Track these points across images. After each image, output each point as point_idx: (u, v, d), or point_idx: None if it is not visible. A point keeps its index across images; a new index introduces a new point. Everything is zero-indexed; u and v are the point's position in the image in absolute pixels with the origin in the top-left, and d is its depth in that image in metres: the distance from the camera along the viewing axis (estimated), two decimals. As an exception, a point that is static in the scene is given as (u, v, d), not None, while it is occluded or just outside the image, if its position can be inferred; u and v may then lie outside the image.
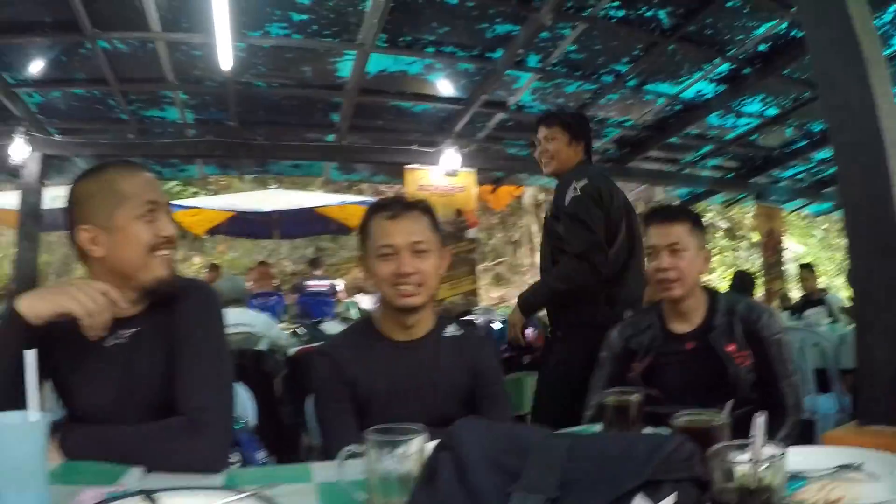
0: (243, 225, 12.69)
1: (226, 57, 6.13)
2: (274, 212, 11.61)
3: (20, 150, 8.12)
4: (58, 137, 8.61)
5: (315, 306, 11.15)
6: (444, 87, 7.47)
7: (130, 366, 1.87)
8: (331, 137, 8.86)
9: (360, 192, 17.12)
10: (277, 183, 15.28)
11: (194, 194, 17.81)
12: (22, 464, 1.23)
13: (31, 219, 8.60)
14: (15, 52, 6.63)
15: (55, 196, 9.51)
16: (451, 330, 2.44)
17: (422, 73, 7.16)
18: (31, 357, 1.36)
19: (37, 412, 1.31)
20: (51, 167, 8.81)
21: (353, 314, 11.86)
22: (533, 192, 18.90)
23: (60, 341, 1.72)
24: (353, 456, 1.40)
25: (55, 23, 6.06)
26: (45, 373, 1.71)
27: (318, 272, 12.94)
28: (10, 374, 1.60)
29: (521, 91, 7.52)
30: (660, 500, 1.05)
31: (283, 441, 4.50)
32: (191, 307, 1.92)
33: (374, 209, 2.37)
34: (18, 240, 8.80)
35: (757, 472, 1.08)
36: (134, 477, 1.56)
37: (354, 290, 15.72)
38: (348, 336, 2.56)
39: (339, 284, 13.95)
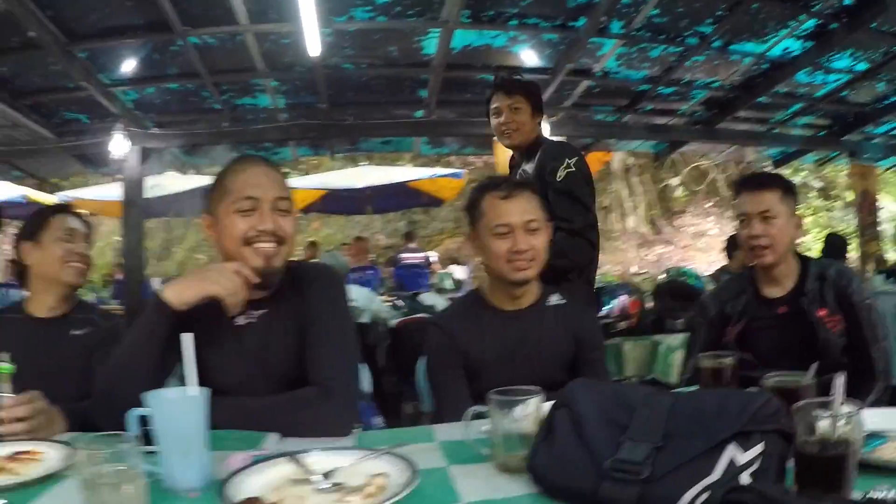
0: (336, 202, 12.87)
1: (314, 43, 6.33)
2: (366, 188, 11.73)
3: (120, 145, 8.54)
4: (155, 130, 9.01)
5: (410, 278, 11.33)
6: (529, 57, 7.48)
7: (260, 343, 2.04)
8: (419, 113, 8.98)
9: (448, 165, 17.15)
10: (367, 160, 15.48)
11: (286, 175, 18.16)
12: (185, 433, 1.40)
13: (135, 208, 9.05)
14: (109, 55, 7.05)
15: (154, 185, 9.96)
16: (554, 299, 2.55)
17: (506, 46, 7.19)
18: (188, 340, 1.54)
19: (195, 388, 1.50)
20: (150, 159, 9.22)
21: (447, 285, 11.99)
22: (621, 157, 18.55)
23: (198, 322, 1.84)
24: (478, 416, 1.54)
25: (146, 24, 6.41)
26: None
27: (412, 245, 13.13)
28: (157, 358, 1.85)
29: (606, 58, 7.45)
30: (749, 449, 1.18)
31: (386, 408, 4.67)
32: (320, 289, 2.08)
33: (485, 188, 2.48)
34: (123, 228, 9.27)
35: (836, 427, 1.18)
36: (272, 442, 1.72)
37: (448, 260, 15.86)
38: (459, 307, 2.73)
39: (433, 256, 14.10)
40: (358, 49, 7.05)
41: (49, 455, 1.62)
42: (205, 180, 11.79)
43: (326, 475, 1.37)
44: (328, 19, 6.22)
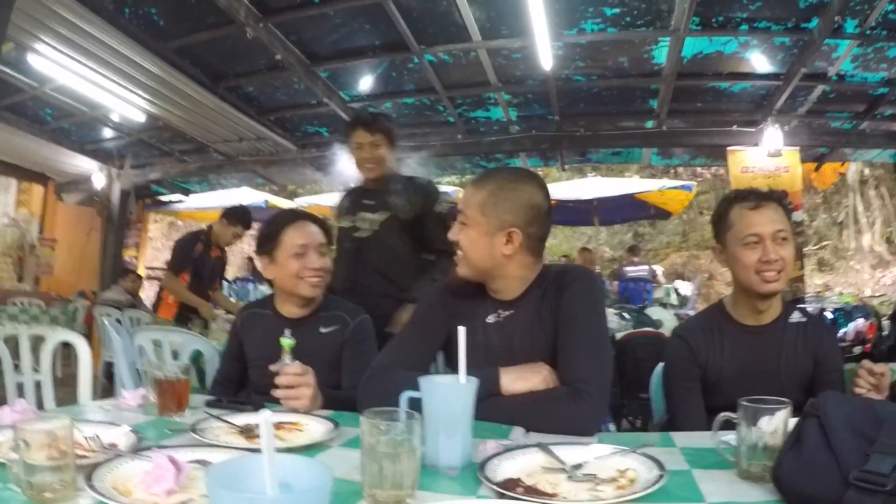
0: (563, 212, 12.71)
1: (545, 57, 6.46)
2: (594, 199, 11.68)
3: None
4: (391, 143, 9.47)
5: (634, 292, 11.17)
6: (761, 63, 7.18)
7: (503, 341, 2.16)
8: (650, 123, 8.88)
9: (676, 177, 16.76)
10: (595, 171, 15.43)
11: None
12: (453, 416, 1.51)
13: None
14: (349, 74, 7.65)
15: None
16: (796, 316, 2.47)
17: (737, 52, 6.96)
18: (462, 332, 1.65)
19: (465, 376, 1.61)
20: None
21: (673, 300, 11.72)
22: (857, 167, 17.08)
23: (455, 318, 2.03)
24: (726, 425, 1.54)
25: (384, 44, 6.91)
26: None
27: (636, 258, 12.93)
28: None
29: (841, 60, 6.97)
30: None
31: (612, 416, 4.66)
32: (578, 291, 2.12)
33: (734, 199, 2.45)
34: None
35: None
36: (518, 434, 1.80)
37: (673, 275, 15.50)
38: (701, 320, 2.67)
39: (658, 270, 13.83)
40: (588, 61, 7.10)
41: (311, 427, 1.87)
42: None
43: (577, 466, 1.43)
44: (559, 33, 6.32)
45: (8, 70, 7.41)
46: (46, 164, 11.12)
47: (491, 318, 2.19)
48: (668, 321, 6.61)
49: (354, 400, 2.24)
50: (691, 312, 10.53)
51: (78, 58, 6.90)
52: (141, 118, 8.81)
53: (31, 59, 7.00)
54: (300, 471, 0.90)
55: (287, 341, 2.31)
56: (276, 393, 2.16)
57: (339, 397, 2.35)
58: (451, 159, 10.70)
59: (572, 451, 1.52)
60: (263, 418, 0.89)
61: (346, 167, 9.39)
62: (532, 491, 1.27)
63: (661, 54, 6.89)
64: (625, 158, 11.36)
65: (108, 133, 10.35)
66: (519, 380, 1.96)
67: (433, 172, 11.67)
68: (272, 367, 2.25)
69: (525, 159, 10.53)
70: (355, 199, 4.10)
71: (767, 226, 2.33)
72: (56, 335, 3.22)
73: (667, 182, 12.86)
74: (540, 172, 17.63)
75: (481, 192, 2.13)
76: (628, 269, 12.45)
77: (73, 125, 9.92)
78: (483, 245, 2.11)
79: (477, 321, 2.18)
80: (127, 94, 7.88)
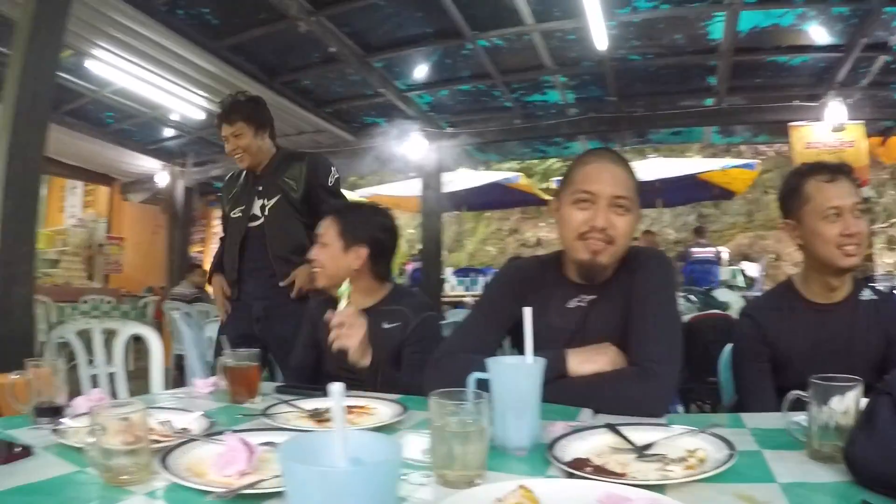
0: (627, 195, 12.64)
1: (600, 37, 6.41)
2: (655, 180, 11.49)
3: (417, 144, 9.17)
4: (449, 130, 9.52)
5: (701, 274, 11.05)
6: (820, 35, 6.97)
7: (582, 325, 2.14)
8: (709, 101, 8.74)
9: (738, 155, 16.42)
10: (655, 151, 15.23)
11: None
12: (521, 396, 1.52)
13: (434, 203, 9.63)
14: (404, 63, 7.68)
15: (448, 181, 10.50)
16: (867, 294, 2.42)
17: (795, 24, 6.76)
18: (528, 313, 1.64)
19: (531, 357, 1.60)
20: (444, 156, 9.77)
21: (739, 281, 11.56)
22: None
23: (536, 302, 1.94)
24: (797, 405, 1.52)
25: (436, 32, 6.91)
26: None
27: (702, 240, 12.76)
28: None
29: None
30: None
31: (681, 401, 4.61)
32: (649, 271, 2.11)
33: (806, 173, 2.40)
34: (422, 222, 9.91)
35: None
36: (586, 415, 1.81)
37: (739, 256, 15.24)
38: (770, 299, 2.63)
39: (724, 251, 13.62)
40: (643, 39, 7.00)
41: (380, 410, 1.90)
42: (497, 175, 12.24)
43: (645, 446, 1.42)
44: (612, 12, 6.26)
45: (68, 76, 7.60)
46: (110, 165, 11.43)
47: (572, 303, 2.18)
48: (735, 303, 6.51)
49: (411, 387, 2.31)
50: (758, 294, 10.40)
51: (135, 60, 7.09)
52: (200, 116, 8.99)
53: (90, 65, 7.22)
54: (370, 446, 0.91)
55: (343, 288, 2.37)
56: (331, 336, 2.36)
57: (397, 381, 2.44)
58: (510, 145, 10.71)
59: (641, 432, 1.52)
60: (335, 389, 0.91)
61: (404, 156, 9.59)
62: (601, 470, 1.27)
63: (717, 29, 6.75)
64: (685, 138, 11.19)
65: (168, 132, 10.62)
66: (586, 361, 1.95)
67: (492, 158, 11.70)
68: (328, 316, 2.33)
69: (585, 142, 10.42)
70: (246, 187, 4.08)
71: (846, 198, 2.29)
72: (128, 328, 3.31)
73: (729, 161, 12.62)
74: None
75: (631, 175, 2.11)
76: (694, 250, 12.30)
77: (135, 126, 10.16)
78: (633, 231, 2.10)
79: (556, 305, 2.17)
80: (185, 93, 8.04)
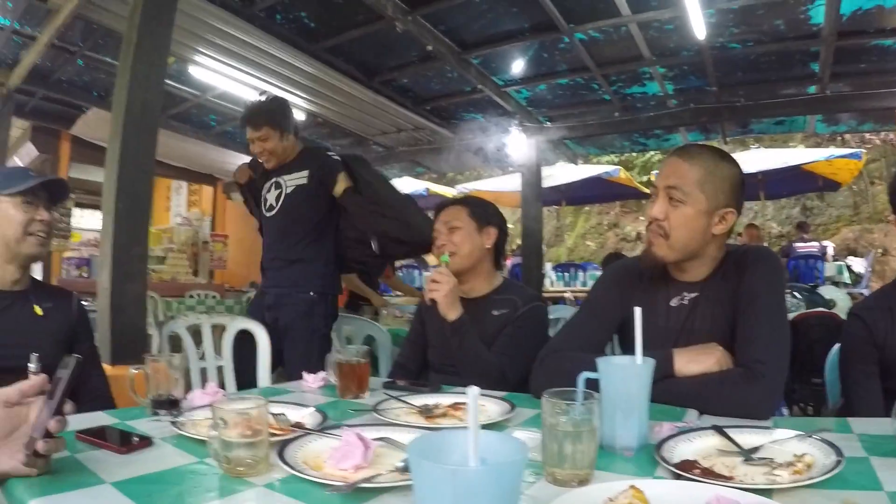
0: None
1: (698, 25, 6.28)
2: (758, 172, 11.19)
3: (517, 139, 9.20)
4: (548, 124, 9.49)
5: (805, 269, 10.75)
6: (926, 14, 6.65)
7: (685, 324, 2.14)
8: (812, 89, 8.41)
9: (843, 144, 15.86)
10: (757, 142, 14.86)
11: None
12: (630, 396, 1.52)
13: (533, 197, 9.64)
14: (500, 58, 7.67)
15: (547, 176, 10.48)
16: None
17: (899, 4, 6.46)
18: (638, 313, 1.64)
19: (641, 357, 1.60)
20: (544, 151, 9.77)
21: (845, 278, 11.19)
22: None
23: (634, 300, 1.97)
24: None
25: (532, 26, 6.87)
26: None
27: (806, 235, 12.41)
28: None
29: None
30: None
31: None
32: (759, 271, 2.08)
33: None
34: (522, 217, 9.92)
35: None
36: (692, 416, 1.81)
37: (845, 251, 14.73)
38: (879, 298, 2.53)
39: (829, 246, 13.21)
40: (743, 26, 6.81)
41: (488, 407, 1.94)
42: (596, 169, 12.15)
43: (753, 450, 1.41)
44: (710, 0, 6.11)
45: (173, 83, 7.91)
46: (214, 166, 11.79)
47: (675, 302, 2.18)
48: (841, 301, 6.33)
49: (490, 364, 2.51)
50: (865, 291, 10.06)
51: (236, 65, 7.31)
52: (300, 117, 9.16)
53: (193, 71, 7.49)
54: (495, 445, 0.94)
55: (444, 257, 2.76)
56: (424, 290, 2.71)
57: (478, 349, 2.63)
58: (609, 138, 10.60)
59: (747, 435, 1.51)
60: (472, 393, 0.94)
61: (503, 151, 9.62)
62: (709, 473, 1.27)
63: (819, 13, 6.50)
64: (788, 127, 10.79)
65: (270, 133, 10.78)
66: (692, 362, 1.94)
67: (591, 152, 11.61)
68: (427, 275, 2.51)
69: (685, 134, 10.26)
70: (264, 180, 4.30)
71: None
72: (236, 323, 3.44)
73: (834, 151, 12.11)
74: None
75: (697, 167, 2.08)
76: (797, 245, 11.98)
77: (237, 128, 10.39)
78: (699, 224, 2.08)
79: (659, 304, 2.18)
80: (285, 95, 8.20)
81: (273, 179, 4.20)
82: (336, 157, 4.17)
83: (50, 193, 2.49)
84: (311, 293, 3.96)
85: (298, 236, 4.01)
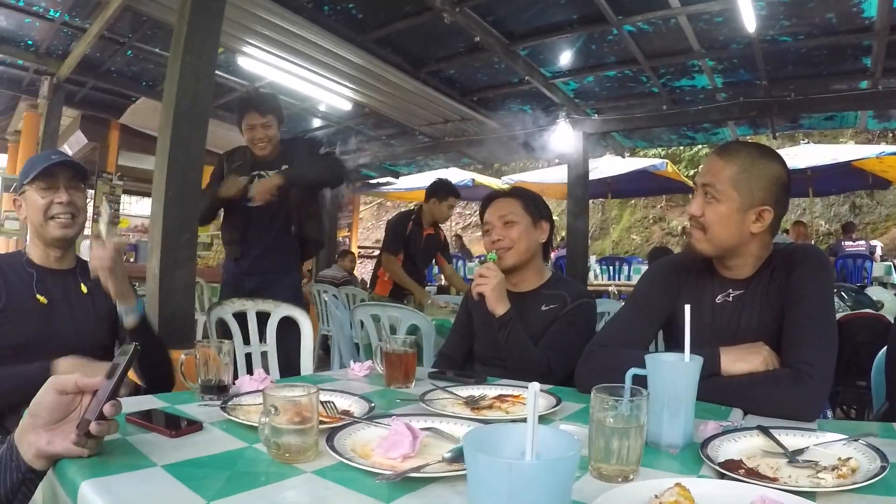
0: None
1: (748, 18, 6.21)
2: (807, 168, 11.01)
3: (564, 131, 9.19)
4: (595, 117, 9.45)
5: (853, 269, 10.59)
6: None
7: (730, 322, 2.14)
8: (864, 84, 8.25)
9: (894, 141, 15.53)
10: (806, 138, 14.63)
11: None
12: (678, 394, 1.52)
13: (579, 189, 9.62)
14: (548, 50, 7.63)
15: (593, 168, 10.45)
16: None
17: (955, -6, 6.28)
18: (687, 310, 1.64)
19: (689, 355, 1.59)
20: (590, 143, 9.75)
21: (894, 278, 10.99)
22: None
23: (680, 296, 2.11)
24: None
25: (581, 18, 6.83)
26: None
27: (853, 233, 12.20)
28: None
29: None
30: None
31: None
32: (808, 271, 2.07)
33: None
34: (569, 209, 9.90)
35: None
36: (736, 416, 1.81)
37: (894, 251, 14.46)
38: None
39: (878, 246, 12.98)
40: (793, 19, 6.69)
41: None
42: (643, 162, 12.04)
43: (797, 451, 1.42)
44: (760, -8, 6.04)
45: (221, 73, 8.00)
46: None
47: (720, 298, 2.18)
48: (889, 302, 6.22)
49: (537, 359, 2.52)
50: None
51: (284, 56, 7.37)
52: (347, 107, 9.25)
53: (241, 61, 7.56)
54: (548, 440, 0.95)
55: (492, 256, 2.80)
56: (472, 284, 2.74)
57: (525, 344, 2.64)
58: (657, 131, 10.48)
59: (792, 436, 1.51)
60: (532, 389, 0.96)
61: (550, 143, 9.61)
62: (753, 474, 1.28)
63: (871, 6, 6.36)
64: (839, 123, 10.59)
65: (316, 122, 10.97)
66: (739, 360, 1.93)
67: (639, 145, 11.52)
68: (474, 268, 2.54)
69: (734, 128, 10.11)
70: (244, 168, 4.57)
71: None
72: (280, 310, 3.49)
73: (885, 148, 11.86)
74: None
75: (732, 165, 2.09)
76: (845, 244, 11.78)
77: (285, 118, 10.49)
78: (733, 222, 2.08)
79: (705, 301, 2.19)
80: (333, 85, 8.28)
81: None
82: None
83: (74, 173, 2.53)
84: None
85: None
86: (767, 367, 1.91)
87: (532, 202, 2.98)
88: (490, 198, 3.06)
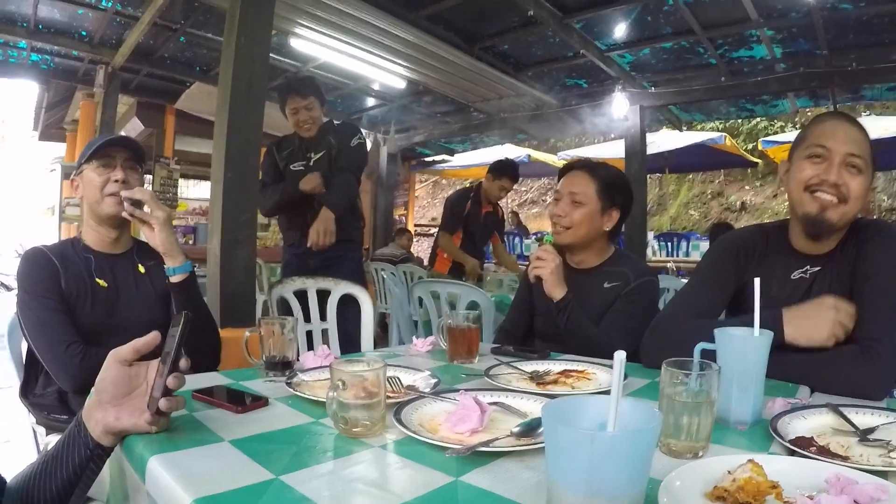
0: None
1: (810, -15, 6.06)
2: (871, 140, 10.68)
3: (621, 105, 9.09)
4: (652, 90, 9.32)
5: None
6: None
7: (806, 296, 2.06)
8: (930, 52, 8.05)
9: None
10: (868, 109, 14.25)
11: (780, 129, 17.40)
12: (747, 369, 1.50)
13: (637, 164, 9.53)
14: (603, 22, 7.52)
15: (650, 142, 10.33)
16: None
17: None
18: (757, 284, 1.59)
19: (759, 329, 1.57)
20: (648, 117, 9.64)
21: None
22: None
23: (752, 270, 2.08)
24: None
25: None
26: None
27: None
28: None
29: None
30: None
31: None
32: (880, 246, 2.02)
33: None
34: (627, 183, 9.81)
35: None
36: (804, 393, 1.78)
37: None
38: None
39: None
40: (855, -15, 6.54)
41: (599, 375, 1.97)
42: (701, 136, 11.87)
43: (868, 430, 1.39)
44: (822, -44, 5.88)
45: (274, 55, 8.01)
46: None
47: (796, 274, 2.14)
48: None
49: (598, 340, 2.51)
50: None
51: (337, 36, 7.37)
52: (401, 85, 9.25)
53: (294, 43, 7.60)
54: (627, 412, 0.95)
55: (549, 237, 2.63)
56: (530, 267, 2.76)
57: (584, 326, 2.62)
58: (714, 104, 10.26)
59: (862, 415, 1.49)
60: (618, 358, 0.95)
61: (606, 117, 9.51)
62: (825, 451, 1.26)
63: (939, -31, 6.20)
64: (902, 94, 10.32)
65: (371, 102, 11.05)
66: (806, 330, 1.87)
67: (696, 118, 11.33)
68: (532, 251, 2.53)
69: (793, 99, 9.84)
70: (298, 151, 4.67)
71: None
72: (340, 288, 3.52)
73: (952, 120, 11.53)
74: (809, 114, 16.77)
75: (866, 137, 2.05)
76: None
77: (339, 98, 10.66)
78: (866, 195, 2.04)
79: (778, 276, 2.14)
80: (386, 63, 8.28)
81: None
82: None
83: (130, 154, 2.56)
84: None
85: None
86: (835, 334, 1.85)
87: (609, 187, 2.88)
88: (571, 166, 3.01)
